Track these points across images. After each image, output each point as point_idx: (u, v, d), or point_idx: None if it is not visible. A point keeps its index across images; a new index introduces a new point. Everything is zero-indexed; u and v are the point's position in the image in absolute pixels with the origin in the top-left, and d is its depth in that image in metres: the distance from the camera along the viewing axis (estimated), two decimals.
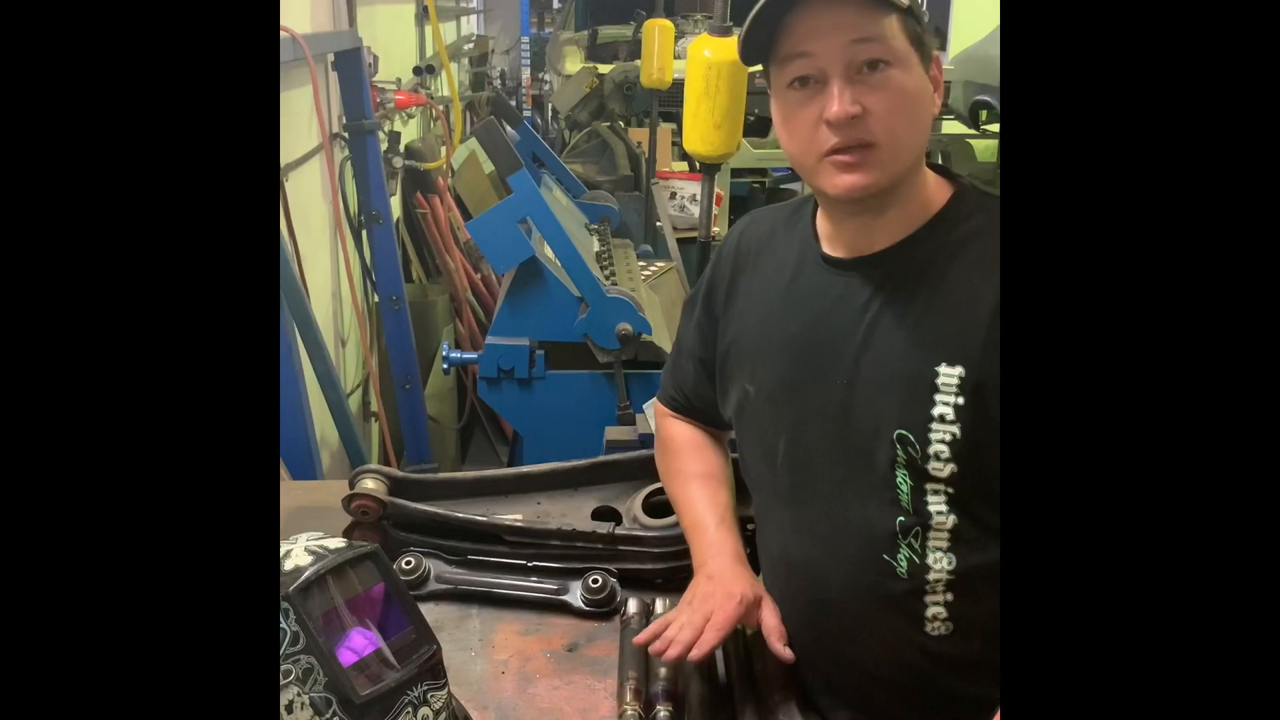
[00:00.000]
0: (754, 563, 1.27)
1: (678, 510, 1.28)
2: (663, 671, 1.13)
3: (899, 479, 1.00)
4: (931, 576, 1.01)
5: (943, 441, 0.97)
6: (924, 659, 1.02)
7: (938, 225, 1.03)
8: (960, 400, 0.96)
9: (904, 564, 1.01)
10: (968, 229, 1.01)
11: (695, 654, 1.05)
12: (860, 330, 1.03)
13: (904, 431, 0.99)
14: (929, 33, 1.00)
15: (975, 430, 0.96)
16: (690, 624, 1.08)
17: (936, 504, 0.99)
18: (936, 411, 0.97)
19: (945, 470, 0.98)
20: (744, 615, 1.10)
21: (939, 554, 1.00)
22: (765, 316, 1.13)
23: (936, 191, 1.05)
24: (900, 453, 1.00)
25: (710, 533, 1.20)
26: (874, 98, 0.95)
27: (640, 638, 1.11)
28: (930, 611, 1.02)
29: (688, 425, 1.32)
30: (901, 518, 1.01)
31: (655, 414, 1.37)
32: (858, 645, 1.08)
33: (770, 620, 1.12)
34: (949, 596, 1.01)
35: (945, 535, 1.00)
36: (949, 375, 0.97)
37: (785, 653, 1.09)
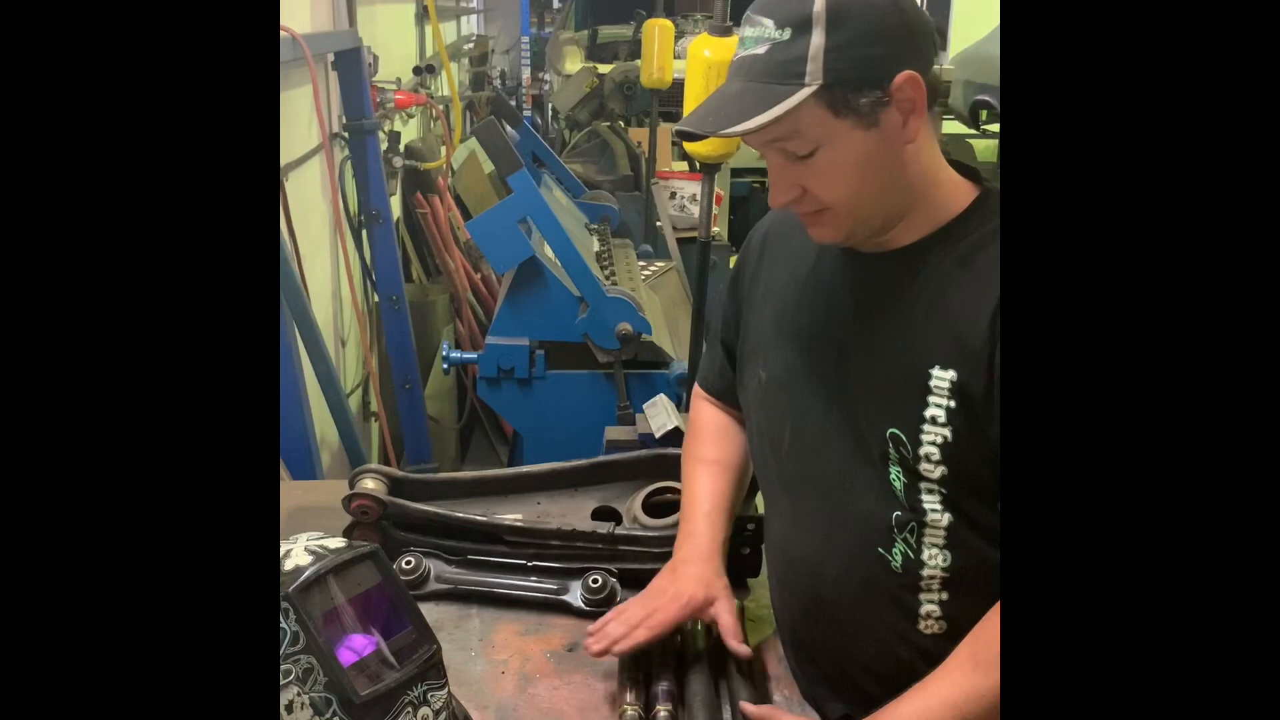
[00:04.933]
0: (756, 561, 1.28)
1: (683, 492, 1.31)
2: (662, 672, 1.13)
3: (893, 475, 1.01)
4: (926, 573, 1.01)
5: (933, 444, 0.97)
6: (917, 656, 1.02)
7: (954, 230, 1.01)
8: (952, 404, 0.96)
9: (899, 558, 1.02)
10: (982, 235, 1.00)
11: (618, 648, 1.13)
12: (866, 326, 1.04)
13: (896, 431, 0.99)
14: (866, 86, 0.92)
15: (966, 434, 0.96)
16: (627, 620, 1.15)
17: (931, 502, 0.99)
18: (928, 413, 0.97)
19: (936, 472, 0.98)
20: (691, 615, 1.16)
21: (934, 550, 1.00)
22: (782, 304, 1.14)
23: (956, 195, 1.03)
24: (893, 451, 1.00)
25: (694, 521, 1.25)
26: (811, 181, 0.98)
27: (592, 627, 1.18)
28: (924, 609, 1.02)
29: (716, 410, 1.35)
30: (898, 512, 1.01)
31: (693, 395, 1.41)
32: (852, 639, 1.08)
33: (725, 619, 1.16)
34: (944, 595, 1.01)
35: (941, 533, 1.00)
36: (941, 378, 0.97)
37: (742, 649, 1.14)
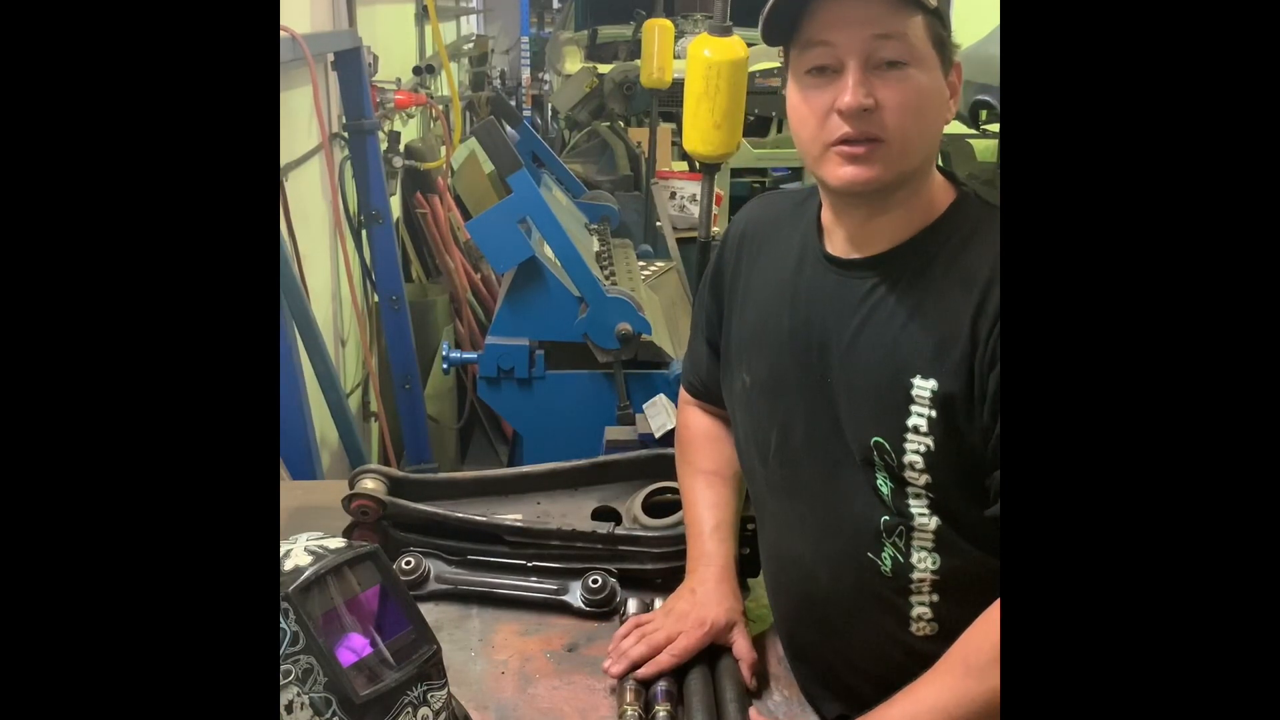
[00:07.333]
0: (755, 561, 1.28)
1: (683, 504, 1.30)
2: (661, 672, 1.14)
3: (879, 481, 1.01)
4: (916, 576, 1.01)
5: (917, 452, 0.97)
6: (909, 658, 1.02)
7: (934, 233, 1.02)
8: (933, 413, 0.96)
9: (888, 562, 1.02)
10: (959, 239, 1.00)
11: (642, 672, 1.12)
12: (848, 334, 1.03)
13: (880, 440, 0.99)
14: (952, 38, 0.99)
15: (948, 442, 0.96)
16: (651, 643, 1.14)
17: (918, 507, 1.00)
18: (911, 423, 0.97)
19: (921, 480, 0.98)
20: (713, 641, 1.15)
21: (923, 554, 1.01)
22: (764, 309, 1.13)
23: (940, 195, 1.04)
24: (877, 458, 1.00)
25: (703, 540, 1.23)
26: (888, 93, 0.95)
27: (611, 648, 1.17)
28: (916, 611, 1.02)
29: (705, 415, 1.33)
30: (886, 517, 1.01)
31: (679, 400, 1.39)
32: (845, 640, 1.09)
33: (741, 646, 1.16)
34: (934, 597, 1.01)
35: (929, 536, 1.00)
36: (922, 388, 0.97)
37: (751, 683, 1.14)
